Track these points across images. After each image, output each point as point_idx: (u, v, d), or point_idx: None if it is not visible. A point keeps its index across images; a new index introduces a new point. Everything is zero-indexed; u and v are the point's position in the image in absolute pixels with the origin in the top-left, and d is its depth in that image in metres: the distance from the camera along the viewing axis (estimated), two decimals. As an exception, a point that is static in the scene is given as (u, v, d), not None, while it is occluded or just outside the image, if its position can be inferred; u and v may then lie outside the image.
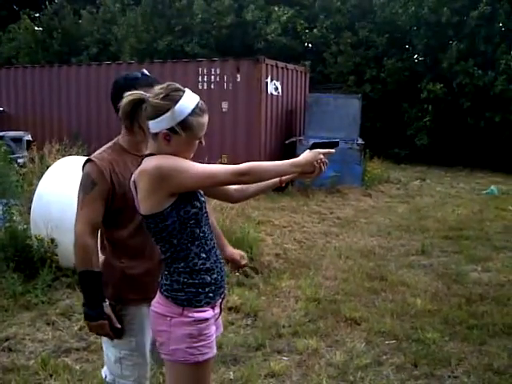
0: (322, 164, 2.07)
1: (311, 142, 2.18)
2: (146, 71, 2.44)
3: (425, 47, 16.23)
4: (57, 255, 4.86)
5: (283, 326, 4.27)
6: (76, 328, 4.12)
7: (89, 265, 2.25)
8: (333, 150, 2.10)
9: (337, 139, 2.24)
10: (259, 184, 2.26)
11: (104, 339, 2.45)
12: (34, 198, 5.19)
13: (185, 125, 1.98)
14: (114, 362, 2.41)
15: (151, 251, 2.31)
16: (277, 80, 11.43)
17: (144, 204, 2.02)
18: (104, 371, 2.50)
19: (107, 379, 2.48)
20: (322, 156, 2.05)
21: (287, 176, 2.22)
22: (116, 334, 2.33)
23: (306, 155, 2.06)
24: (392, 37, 16.79)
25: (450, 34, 15.51)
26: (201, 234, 2.07)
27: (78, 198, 2.32)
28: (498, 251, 6.67)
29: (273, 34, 17.26)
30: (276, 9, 17.79)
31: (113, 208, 2.31)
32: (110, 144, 2.40)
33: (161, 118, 1.97)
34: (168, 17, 19.08)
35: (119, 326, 2.31)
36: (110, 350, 2.43)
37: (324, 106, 11.40)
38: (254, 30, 17.78)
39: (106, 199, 2.28)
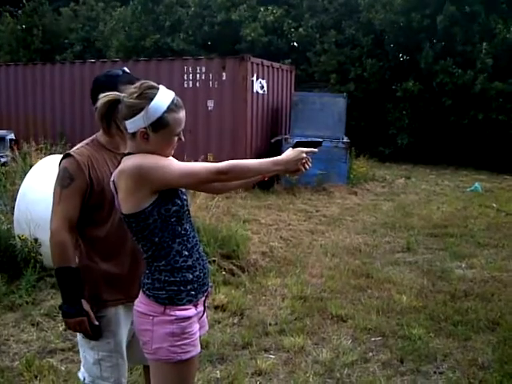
0: (305, 163, 2.08)
1: (295, 140, 2.18)
2: (126, 69, 2.42)
3: (401, 48, 16.38)
4: (41, 255, 4.80)
5: (270, 324, 4.27)
6: (61, 328, 4.07)
7: (66, 261, 2.23)
8: (315, 150, 2.10)
9: (320, 139, 2.25)
10: None
11: (81, 341, 2.42)
12: (18, 197, 5.13)
13: (161, 122, 1.97)
14: (93, 364, 2.37)
15: (130, 251, 2.31)
16: (262, 78, 11.43)
17: (125, 203, 2.01)
18: (82, 373, 2.46)
19: (86, 381, 2.43)
20: (304, 155, 2.06)
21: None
22: (94, 336, 2.31)
23: (288, 153, 2.06)
24: (376, 37, 16.90)
25: (423, 35, 15.64)
26: (182, 232, 2.07)
27: (55, 192, 2.29)
28: (482, 248, 6.74)
29: (253, 33, 17.24)
30: (262, 9, 17.78)
31: (90, 204, 2.28)
32: (88, 140, 2.39)
33: (136, 117, 1.96)
34: (156, 13, 18.98)
35: (97, 322, 2.29)
36: (87, 352, 2.39)
37: (310, 104, 11.42)
38: (240, 29, 17.77)
39: (84, 195, 2.25)
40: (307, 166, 2.09)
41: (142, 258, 2.20)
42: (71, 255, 2.24)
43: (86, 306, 2.27)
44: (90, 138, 2.39)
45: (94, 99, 2.21)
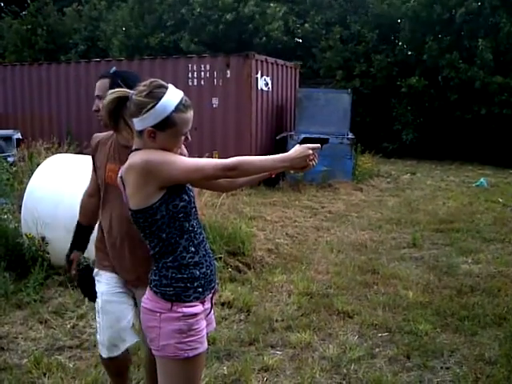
0: (312, 159, 2.07)
1: (302, 136, 2.18)
2: (114, 68, 2.64)
3: (413, 41, 16.24)
4: (48, 253, 4.84)
5: (276, 321, 4.28)
6: (69, 326, 4.11)
7: (80, 218, 2.74)
8: (319, 146, 2.08)
9: (327, 136, 2.25)
10: None
11: None
12: (25, 196, 5.15)
13: (169, 121, 1.98)
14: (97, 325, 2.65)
15: (110, 233, 2.49)
16: (267, 75, 11.42)
17: (133, 199, 2.02)
18: None
19: None
20: (310, 151, 2.04)
21: None
22: (89, 296, 2.70)
23: (295, 150, 2.05)
24: (382, 32, 16.81)
25: (438, 29, 15.57)
26: (190, 228, 2.08)
27: None
28: (488, 243, 6.73)
29: (276, 31, 17.16)
30: (272, 5, 17.67)
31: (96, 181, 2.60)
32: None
33: (144, 115, 1.97)
34: (159, 12, 18.99)
35: (73, 272, 2.74)
36: None
37: (314, 100, 11.40)
38: (251, 26, 17.70)
39: (94, 170, 2.61)
40: (314, 163, 2.08)
41: (121, 245, 2.43)
42: (84, 214, 2.72)
43: (73, 255, 2.74)
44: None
45: None
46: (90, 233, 2.75)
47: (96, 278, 2.59)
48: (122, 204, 2.31)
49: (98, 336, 2.62)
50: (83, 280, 2.70)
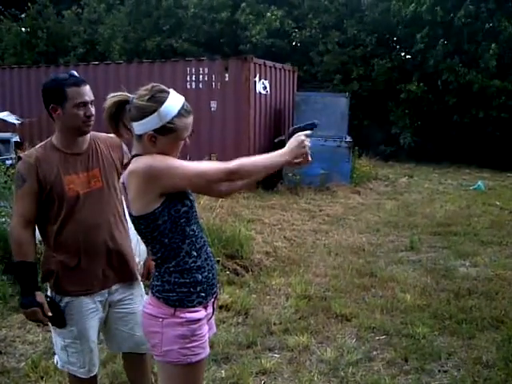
0: (306, 153, 2.07)
1: (291, 129, 2.21)
2: (75, 72, 2.52)
3: (414, 45, 16.23)
4: (46, 256, 4.83)
5: (274, 324, 4.28)
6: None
7: (22, 256, 2.40)
8: (310, 132, 2.11)
9: (314, 121, 2.25)
10: None
11: (51, 328, 2.58)
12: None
13: (170, 126, 1.97)
14: (61, 350, 2.56)
15: (88, 246, 2.45)
16: (265, 79, 11.44)
17: (135, 205, 2.00)
18: (56, 358, 2.64)
19: (58, 365, 2.63)
20: (303, 137, 2.06)
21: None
22: (57, 324, 2.48)
23: (290, 142, 2.06)
24: (381, 36, 16.82)
25: (440, 32, 15.58)
26: (191, 233, 2.06)
27: (13, 193, 2.51)
28: (486, 246, 6.74)
29: (258, 36, 17.17)
30: (269, 14, 17.61)
31: (42, 202, 2.43)
32: (42, 143, 2.54)
33: (145, 119, 1.96)
34: (155, 17, 19.04)
35: (50, 314, 2.42)
36: (56, 338, 2.57)
37: (312, 104, 11.43)
38: (244, 30, 17.72)
39: (37, 194, 2.41)
40: (310, 158, 2.09)
41: (104, 251, 2.42)
42: (26, 250, 2.40)
43: (39, 297, 2.41)
44: (44, 141, 2.54)
45: (45, 104, 2.46)
46: (37, 267, 2.47)
47: (64, 306, 2.49)
48: (96, 210, 2.43)
49: (70, 360, 2.54)
50: (52, 311, 2.47)
